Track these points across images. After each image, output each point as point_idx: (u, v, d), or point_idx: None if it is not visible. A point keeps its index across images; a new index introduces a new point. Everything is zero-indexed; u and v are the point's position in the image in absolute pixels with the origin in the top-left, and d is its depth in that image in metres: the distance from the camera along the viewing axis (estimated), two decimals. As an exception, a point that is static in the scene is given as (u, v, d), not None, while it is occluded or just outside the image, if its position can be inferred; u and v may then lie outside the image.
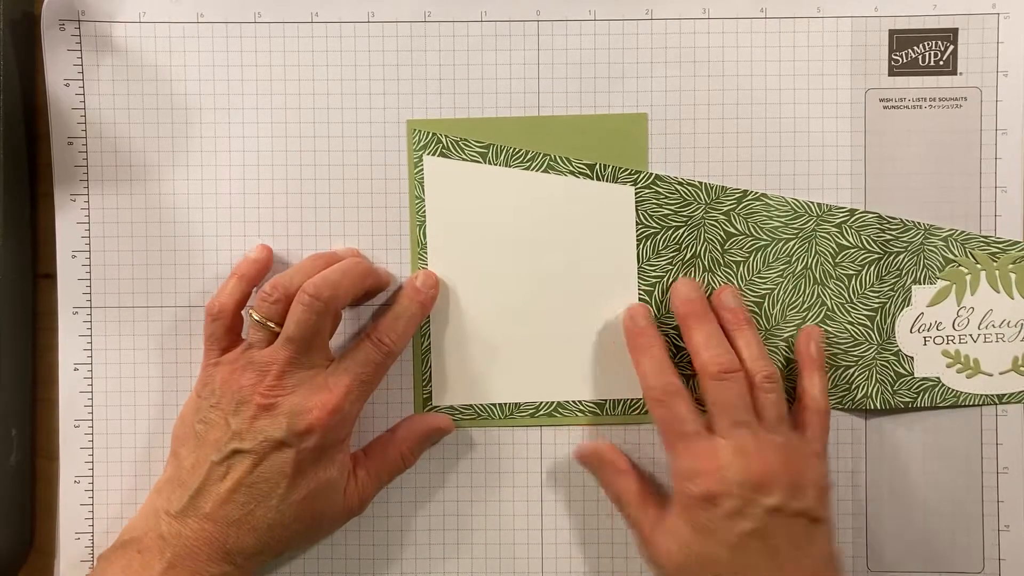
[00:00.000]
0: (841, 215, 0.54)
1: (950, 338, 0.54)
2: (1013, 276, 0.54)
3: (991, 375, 0.54)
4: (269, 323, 0.50)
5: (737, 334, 0.52)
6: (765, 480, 0.48)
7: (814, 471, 0.50)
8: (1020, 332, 0.54)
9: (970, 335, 0.54)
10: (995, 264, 0.54)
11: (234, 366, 0.50)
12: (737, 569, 0.48)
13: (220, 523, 0.48)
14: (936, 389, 0.54)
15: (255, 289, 0.53)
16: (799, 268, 0.54)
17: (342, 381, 0.49)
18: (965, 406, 0.54)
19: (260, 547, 0.49)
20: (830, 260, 0.54)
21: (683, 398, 0.50)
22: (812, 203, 0.54)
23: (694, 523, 0.49)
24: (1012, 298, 0.54)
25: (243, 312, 0.52)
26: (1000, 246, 0.54)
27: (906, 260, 0.54)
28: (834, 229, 0.54)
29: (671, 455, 0.50)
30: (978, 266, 0.54)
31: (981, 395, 0.54)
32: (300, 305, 0.49)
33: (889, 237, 0.54)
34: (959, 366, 0.54)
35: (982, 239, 0.54)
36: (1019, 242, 0.54)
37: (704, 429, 0.50)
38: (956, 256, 0.54)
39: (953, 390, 0.54)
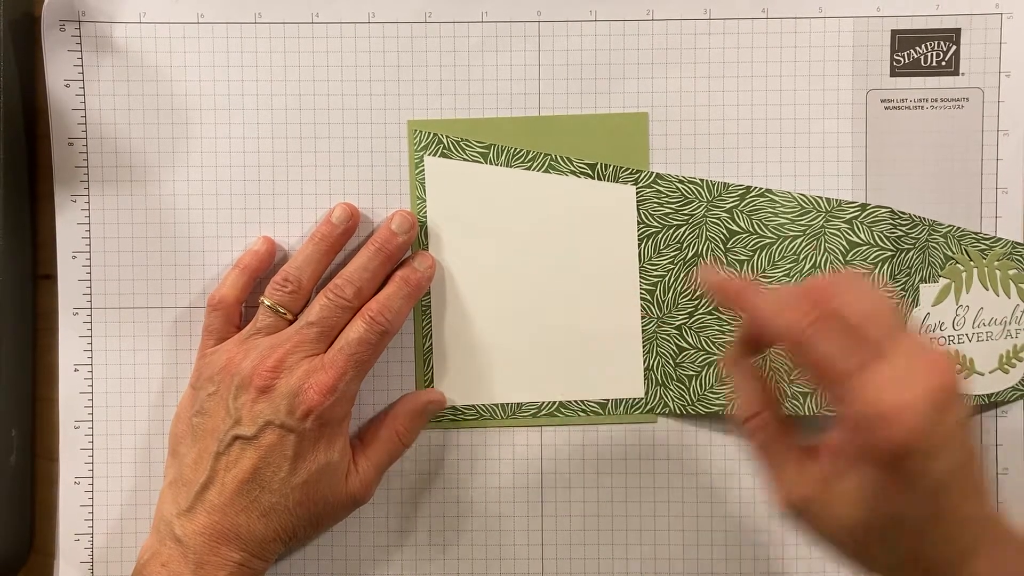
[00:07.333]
0: (852, 211, 0.53)
1: (950, 339, 0.54)
2: (999, 273, 0.54)
3: (983, 374, 0.54)
4: (280, 309, 0.51)
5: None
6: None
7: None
8: (1004, 329, 0.54)
9: (966, 335, 0.54)
10: (984, 261, 0.54)
11: (234, 351, 0.50)
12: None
13: (229, 513, 0.48)
14: None
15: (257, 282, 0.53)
16: (807, 267, 0.53)
17: (337, 361, 0.49)
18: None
19: (271, 534, 0.49)
20: (840, 258, 0.53)
21: (828, 325, 0.39)
22: (820, 199, 0.53)
23: (886, 484, 0.37)
24: (998, 295, 0.54)
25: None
26: (987, 243, 0.54)
27: (915, 258, 0.53)
28: (844, 226, 0.53)
29: (836, 405, 0.38)
30: (971, 263, 0.54)
31: (975, 396, 0.54)
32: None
33: (900, 233, 0.52)
34: (957, 367, 0.54)
35: (973, 235, 0.54)
36: (1003, 239, 0.54)
37: (865, 358, 0.38)
38: (954, 253, 0.54)
39: (953, 393, 0.54)
